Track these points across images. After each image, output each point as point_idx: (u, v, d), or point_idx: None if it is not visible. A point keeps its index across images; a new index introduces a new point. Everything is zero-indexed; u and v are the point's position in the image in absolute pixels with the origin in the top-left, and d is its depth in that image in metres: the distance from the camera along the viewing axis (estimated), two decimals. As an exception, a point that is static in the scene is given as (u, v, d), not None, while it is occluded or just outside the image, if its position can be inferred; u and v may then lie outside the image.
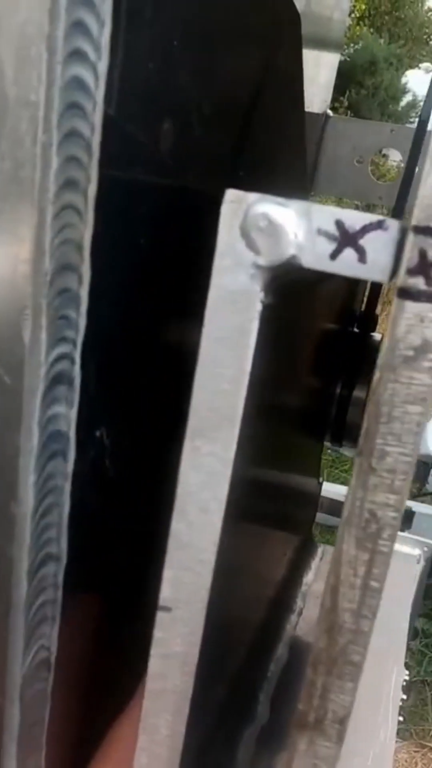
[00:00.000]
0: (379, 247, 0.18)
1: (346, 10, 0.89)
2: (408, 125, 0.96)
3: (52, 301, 0.19)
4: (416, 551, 0.93)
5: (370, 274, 0.19)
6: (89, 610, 0.26)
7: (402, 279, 0.18)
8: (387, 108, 7.82)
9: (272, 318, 0.22)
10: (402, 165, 0.73)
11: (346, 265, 0.19)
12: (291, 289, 0.23)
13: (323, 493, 0.98)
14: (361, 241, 0.19)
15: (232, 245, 0.19)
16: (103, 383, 0.23)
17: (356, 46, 7.70)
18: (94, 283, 0.20)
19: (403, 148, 0.78)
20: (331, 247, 0.19)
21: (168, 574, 0.22)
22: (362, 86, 7.50)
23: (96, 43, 0.18)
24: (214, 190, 0.19)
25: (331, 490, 1.31)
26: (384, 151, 0.86)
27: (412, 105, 8.20)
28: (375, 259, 0.19)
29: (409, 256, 0.18)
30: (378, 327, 0.54)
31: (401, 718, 0.55)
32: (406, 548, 0.93)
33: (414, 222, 0.18)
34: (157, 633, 0.22)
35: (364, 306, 0.55)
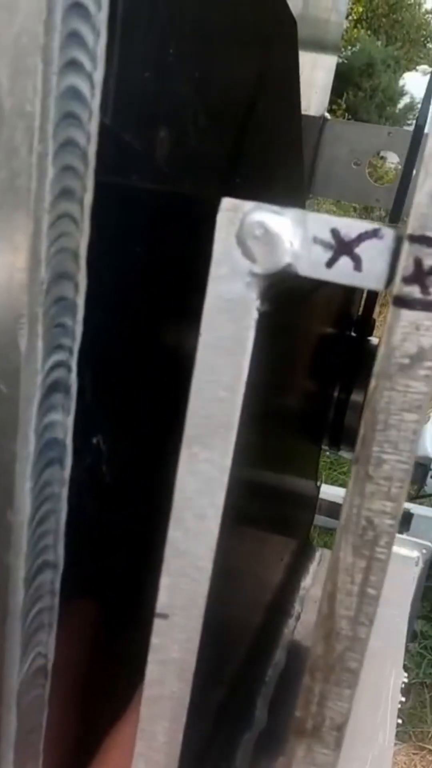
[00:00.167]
0: (374, 255, 0.18)
1: (343, 13, 0.90)
2: (405, 128, 0.96)
3: (48, 309, 0.19)
4: (414, 553, 0.93)
5: (365, 282, 0.19)
6: (86, 616, 0.26)
7: (398, 287, 0.18)
8: (385, 110, 7.84)
9: (269, 324, 0.22)
10: (399, 167, 0.73)
11: (342, 273, 0.19)
12: (288, 295, 0.23)
13: (321, 495, 0.98)
14: (357, 250, 0.19)
15: (228, 253, 0.19)
16: (99, 390, 0.23)
17: (354, 49, 7.71)
18: (91, 291, 0.20)
19: (401, 150, 0.79)
20: (326, 255, 0.19)
21: (165, 581, 0.22)
22: (360, 88, 7.52)
23: (92, 53, 0.18)
24: (211, 198, 0.19)
25: (330, 492, 1.31)
26: (382, 154, 0.86)
27: (409, 107, 8.22)
28: (370, 268, 0.19)
29: (405, 265, 0.18)
30: (375, 331, 0.54)
31: (400, 721, 0.55)
32: (405, 550, 0.93)
33: (409, 231, 0.18)
34: (154, 640, 0.22)
35: (361, 310, 0.55)
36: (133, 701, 0.25)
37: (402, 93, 8.56)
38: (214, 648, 0.27)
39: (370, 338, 0.54)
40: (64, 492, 0.22)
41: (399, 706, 0.55)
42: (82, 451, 0.23)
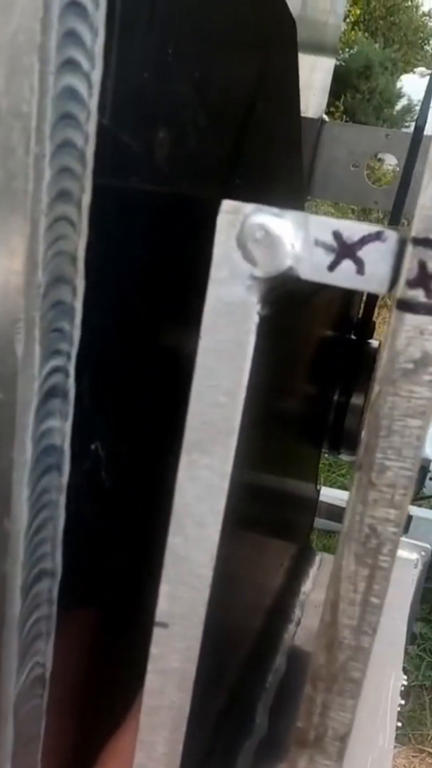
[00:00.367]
0: (377, 258, 0.18)
1: (340, 15, 0.89)
2: (403, 130, 0.96)
3: (45, 313, 0.19)
4: (414, 555, 0.93)
5: (368, 285, 0.18)
6: (85, 625, 0.26)
7: (401, 291, 0.18)
8: (382, 112, 7.85)
9: (270, 327, 0.21)
10: (398, 169, 0.73)
11: (345, 276, 0.18)
12: (289, 297, 0.22)
13: (320, 497, 0.98)
14: (360, 253, 0.18)
15: (229, 256, 0.19)
16: (98, 395, 0.23)
17: (351, 51, 7.73)
18: (89, 295, 0.20)
19: (399, 152, 0.78)
20: (329, 258, 0.19)
21: (164, 589, 0.21)
22: (358, 90, 7.53)
23: (89, 53, 0.18)
24: (211, 199, 0.19)
25: (329, 494, 1.31)
26: (380, 156, 0.86)
27: (407, 109, 8.23)
28: (373, 271, 0.18)
29: (409, 268, 0.17)
30: (375, 334, 0.54)
31: (399, 724, 0.54)
32: (404, 553, 0.93)
33: (413, 233, 0.17)
34: (154, 649, 0.22)
35: (361, 313, 0.55)
36: (132, 711, 0.25)
37: (399, 95, 8.57)
38: (215, 656, 0.27)
39: (370, 341, 0.54)
40: (62, 499, 0.22)
41: (398, 708, 0.55)
42: (81, 457, 0.22)
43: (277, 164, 0.42)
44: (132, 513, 0.28)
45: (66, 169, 0.18)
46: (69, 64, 0.17)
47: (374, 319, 0.54)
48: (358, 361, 0.50)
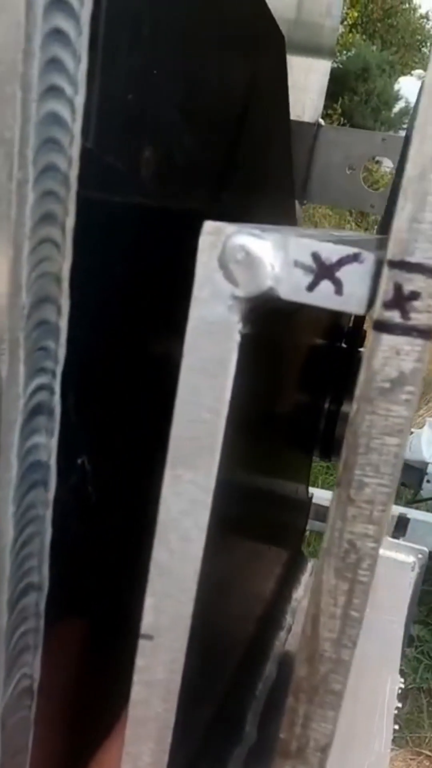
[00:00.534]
0: (355, 279, 0.18)
1: (337, 17, 0.90)
2: (400, 133, 0.96)
3: (29, 333, 0.19)
4: (411, 558, 0.93)
5: (346, 306, 0.19)
6: (72, 637, 0.26)
7: (378, 312, 0.18)
8: (380, 114, 7.86)
9: (254, 343, 0.22)
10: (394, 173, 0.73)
11: (323, 296, 0.19)
12: (278, 308, 0.23)
13: (316, 500, 0.98)
14: (338, 274, 0.19)
15: (210, 277, 0.19)
16: (84, 411, 0.23)
17: (349, 54, 7.74)
18: (74, 314, 0.20)
19: (395, 156, 0.79)
20: (307, 279, 0.19)
21: (149, 602, 0.22)
22: (355, 93, 7.54)
23: (72, 79, 0.18)
24: (195, 218, 0.19)
25: (325, 497, 1.31)
26: (377, 158, 0.86)
27: (404, 111, 8.24)
28: (351, 292, 0.19)
29: (385, 290, 0.18)
30: (365, 342, 0.54)
31: (397, 726, 0.55)
32: (401, 556, 0.93)
33: (389, 256, 0.18)
34: (139, 661, 0.22)
35: (351, 322, 0.55)
36: (119, 722, 0.25)
37: (397, 97, 8.59)
38: (202, 666, 0.27)
39: (360, 350, 0.54)
40: (49, 514, 0.22)
41: (396, 711, 0.55)
42: (68, 472, 0.23)
43: (266, 180, 0.42)
44: (118, 527, 0.28)
45: (50, 192, 0.18)
46: (52, 91, 0.18)
47: (365, 328, 0.54)
48: (349, 369, 0.50)
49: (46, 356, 0.20)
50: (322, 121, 0.88)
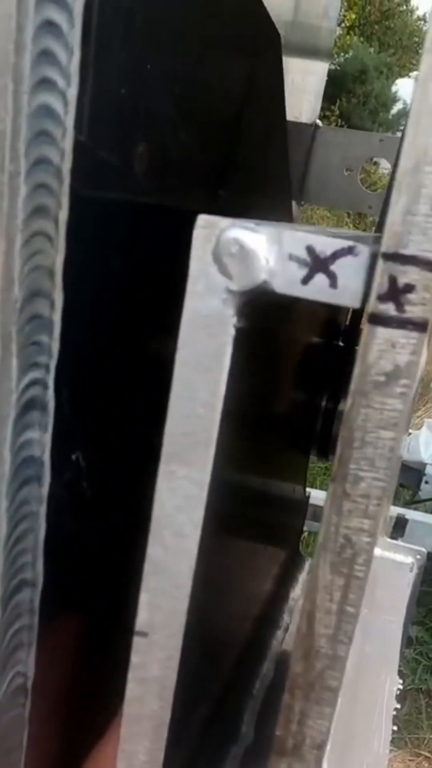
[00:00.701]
0: (350, 272, 0.18)
1: (334, 19, 0.90)
2: (398, 134, 0.97)
3: (22, 327, 0.19)
4: (409, 559, 0.92)
5: (341, 299, 0.19)
6: (67, 634, 0.26)
7: (373, 305, 0.18)
8: (378, 116, 7.88)
9: (249, 337, 0.22)
10: (392, 174, 0.73)
11: (318, 290, 0.19)
12: (273, 305, 0.23)
13: (314, 500, 0.98)
14: (332, 267, 0.19)
15: (205, 270, 0.19)
16: (78, 406, 0.23)
17: (347, 55, 7.75)
18: (68, 308, 0.20)
19: (392, 157, 0.79)
20: (302, 272, 0.19)
21: (144, 598, 0.22)
22: (353, 94, 7.55)
23: (65, 71, 0.18)
24: (190, 212, 0.19)
25: (323, 498, 1.30)
26: (375, 159, 0.86)
27: (402, 113, 8.25)
28: (346, 285, 0.19)
29: (380, 282, 0.18)
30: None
31: (395, 727, 0.54)
32: (399, 556, 0.93)
33: (383, 249, 0.18)
34: (134, 658, 0.22)
35: (348, 319, 0.55)
36: (114, 720, 0.25)
37: (395, 99, 8.61)
38: (198, 664, 0.27)
39: (357, 347, 0.54)
40: (43, 509, 0.22)
41: (394, 712, 0.55)
42: (61, 468, 0.22)
43: (262, 177, 0.42)
44: (113, 523, 0.28)
45: (42, 185, 0.18)
46: (44, 83, 0.18)
47: (362, 326, 0.54)
48: (346, 367, 0.50)
49: (39, 351, 0.20)
50: (319, 122, 0.88)
